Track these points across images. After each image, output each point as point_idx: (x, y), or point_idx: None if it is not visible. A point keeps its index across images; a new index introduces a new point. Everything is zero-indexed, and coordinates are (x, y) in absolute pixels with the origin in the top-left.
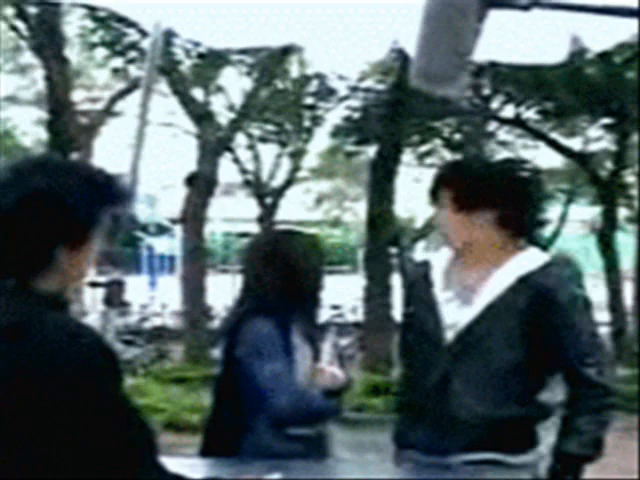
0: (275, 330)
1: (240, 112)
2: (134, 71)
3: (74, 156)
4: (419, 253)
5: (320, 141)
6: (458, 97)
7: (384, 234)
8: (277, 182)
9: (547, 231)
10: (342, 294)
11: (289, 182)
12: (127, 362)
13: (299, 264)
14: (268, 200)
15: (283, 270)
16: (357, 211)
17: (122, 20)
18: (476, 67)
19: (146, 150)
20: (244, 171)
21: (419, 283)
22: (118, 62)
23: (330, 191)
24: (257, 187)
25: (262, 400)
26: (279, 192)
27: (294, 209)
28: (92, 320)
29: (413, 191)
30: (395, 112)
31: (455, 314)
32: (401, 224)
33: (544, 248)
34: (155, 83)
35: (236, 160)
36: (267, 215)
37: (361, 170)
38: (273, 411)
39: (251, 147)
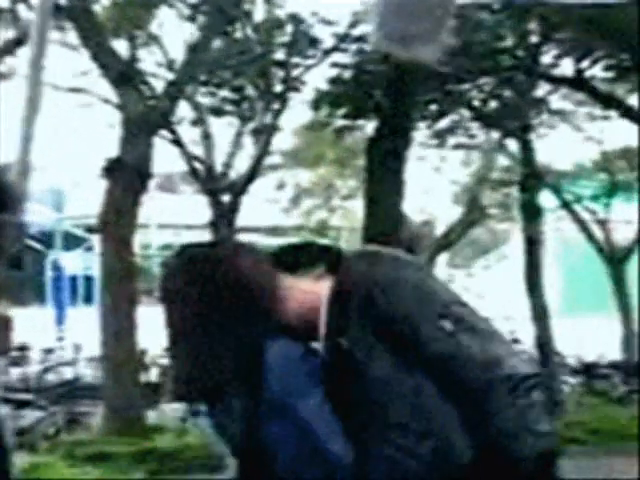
0: (305, 354)
1: (182, 72)
2: (25, 13)
3: None
4: (441, 269)
5: (297, 113)
6: (433, 60)
7: (389, 244)
8: (237, 172)
9: (624, 238)
10: None
11: (254, 172)
12: (23, 431)
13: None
14: (225, 198)
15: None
16: (351, 212)
17: None
18: (520, 8)
19: (45, 128)
20: (190, 157)
21: None
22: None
23: (312, 184)
24: (209, 179)
25: (309, 455)
26: (240, 186)
27: (262, 210)
28: None
29: (430, 183)
30: (403, 71)
31: None
32: (414, 230)
33: None
34: (55, 30)
35: (177, 141)
36: (224, 219)
37: (355, 154)
38: (328, 465)
39: (199, 122)
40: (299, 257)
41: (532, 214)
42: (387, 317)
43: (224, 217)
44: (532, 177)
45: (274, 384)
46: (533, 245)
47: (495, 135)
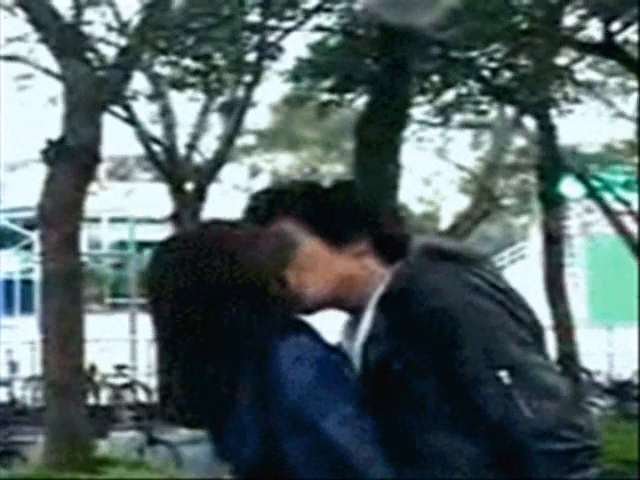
0: (326, 352)
1: (137, 35)
2: None
3: None
4: None
5: (274, 86)
6: (431, 26)
7: None
8: (203, 156)
9: None
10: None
11: (223, 156)
12: None
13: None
14: (188, 187)
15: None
16: None
17: None
18: None
19: None
20: (147, 138)
21: None
22: None
23: (292, 170)
24: (169, 165)
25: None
26: (207, 173)
27: (233, 201)
28: None
29: (432, 169)
30: (399, 35)
31: None
32: (414, 224)
33: None
34: None
35: (132, 120)
36: (188, 211)
37: (343, 134)
38: None
39: (157, 97)
40: (331, 215)
41: (553, 205)
42: (443, 349)
43: (188, 209)
44: (553, 161)
45: (289, 393)
46: (555, 242)
47: (509, 111)
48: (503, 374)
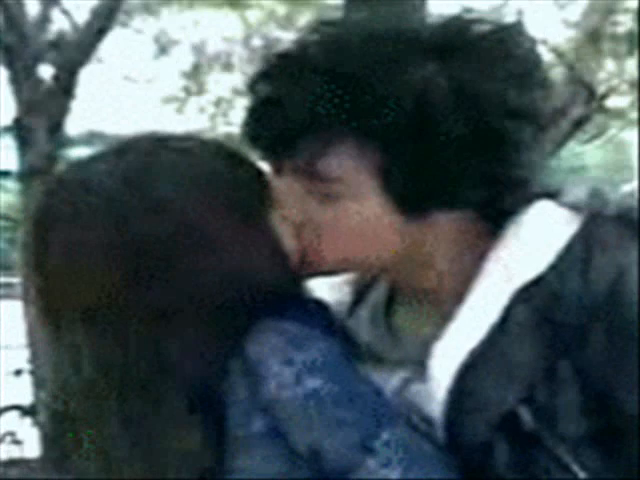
0: (338, 349)
1: None
2: None
3: None
4: None
5: None
6: None
7: None
8: (71, 19)
9: None
10: None
11: (106, 18)
12: None
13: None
14: (44, 72)
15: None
16: None
17: None
18: None
19: None
20: None
21: None
22: None
23: (232, 41)
24: (11, 36)
25: None
26: (80, 49)
27: (124, 96)
28: None
29: None
30: None
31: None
32: None
33: None
34: None
35: None
36: (43, 116)
37: None
38: None
39: None
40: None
41: None
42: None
43: (43, 112)
44: None
45: (284, 421)
46: None
47: None
48: None
